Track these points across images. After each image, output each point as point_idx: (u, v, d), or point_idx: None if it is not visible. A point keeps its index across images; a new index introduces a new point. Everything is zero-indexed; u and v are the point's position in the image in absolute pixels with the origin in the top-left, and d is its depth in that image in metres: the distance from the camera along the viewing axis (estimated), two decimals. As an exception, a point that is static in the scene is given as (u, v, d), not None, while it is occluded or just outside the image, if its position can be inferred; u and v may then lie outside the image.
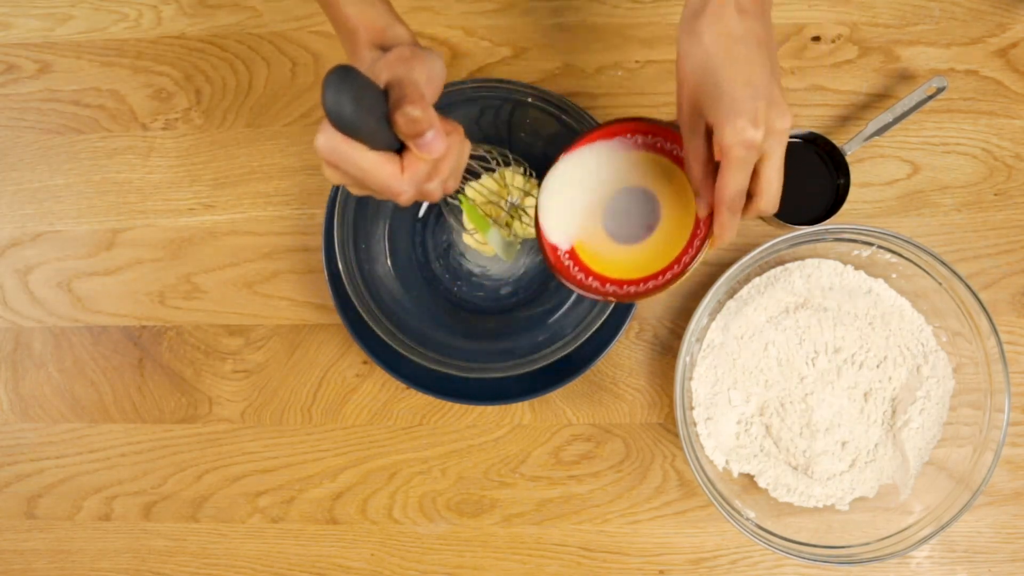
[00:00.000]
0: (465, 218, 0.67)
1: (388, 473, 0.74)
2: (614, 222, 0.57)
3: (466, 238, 0.71)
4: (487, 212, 0.68)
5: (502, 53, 0.77)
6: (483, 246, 0.70)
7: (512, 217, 0.68)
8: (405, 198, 0.47)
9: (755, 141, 0.47)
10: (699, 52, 0.48)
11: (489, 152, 0.67)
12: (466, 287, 0.74)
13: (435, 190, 0.49)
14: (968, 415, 0.69)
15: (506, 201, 0.68)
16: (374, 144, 0.44)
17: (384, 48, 0.50)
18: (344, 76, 0.40)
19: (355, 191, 0.48)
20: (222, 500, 0.75)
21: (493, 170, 0.69)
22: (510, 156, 0.68)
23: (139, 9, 0.79)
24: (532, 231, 0.68)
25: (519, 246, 0.71)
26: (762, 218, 0.74)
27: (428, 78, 0.47)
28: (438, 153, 0.45)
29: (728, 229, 0.51)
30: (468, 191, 0.68)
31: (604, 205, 0.57)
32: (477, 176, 0.69)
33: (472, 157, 0.65)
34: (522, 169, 0.69)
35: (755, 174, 0.50)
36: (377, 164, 0.45)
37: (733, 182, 0.48)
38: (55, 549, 0.76)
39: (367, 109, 0.42)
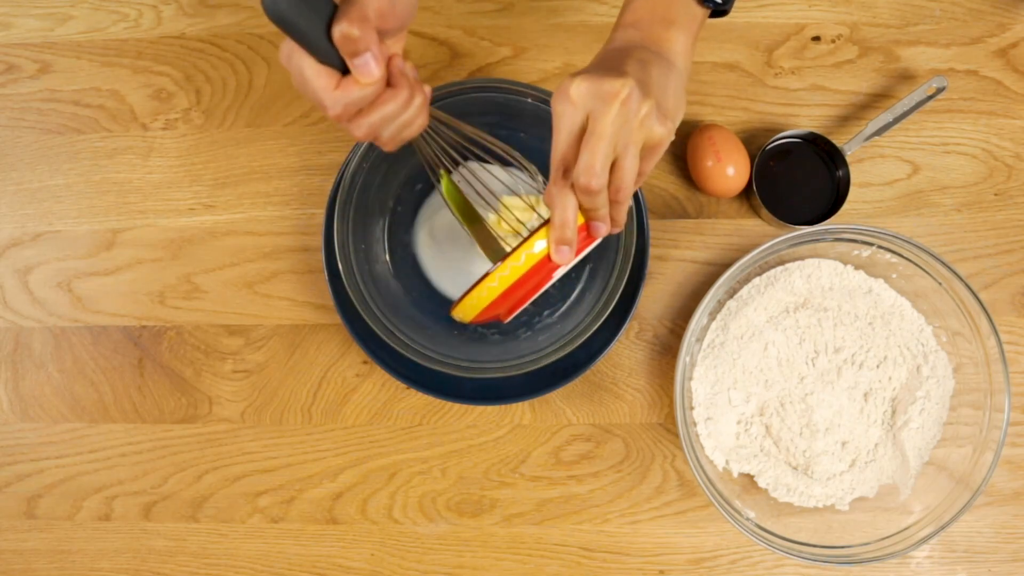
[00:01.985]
0: (445, 196, 0.65)
1: (388, 473, 0.74)
2: None
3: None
4: (509, 226, 0.67)
5: (502, 53, 0.77)
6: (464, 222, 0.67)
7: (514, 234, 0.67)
8: (331, 113, 0.47)
9: (569, 94, 0.46)
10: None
11: (526, 168, 0.65)
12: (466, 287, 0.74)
13: (360, 128, 0.48)
14: (968, 415, 0.69)
15: (523, 224, 0.67)
16: (319, 55, 0.45)
17: None
18: None
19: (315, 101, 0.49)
20: (222, 500, 0.75)
21: (535, 192, 0.67)
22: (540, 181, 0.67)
23: (139, 9, 0.79)
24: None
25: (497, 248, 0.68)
26: (762, 218, 0.74)
27: (390, 3, 0.47)
28: (370, 78, 0.45)
29: (553, 206, 0.49)
30: (505, 200, 0.67)
31: None
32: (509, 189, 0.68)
33: (510, 163, 0.65)
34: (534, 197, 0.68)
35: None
36: (315, 73, 0.46)
37: (554, 144, 0.48)
38: (55, 549, 0.76)
39: (305, 13, 0.43)
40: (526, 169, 0.64)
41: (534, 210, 0.67)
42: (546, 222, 0.51)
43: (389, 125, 0.49)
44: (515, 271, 0.52)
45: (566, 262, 0.51)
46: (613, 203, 0.50)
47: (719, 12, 0.55)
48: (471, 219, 0.65)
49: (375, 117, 0.48)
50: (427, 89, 0.51)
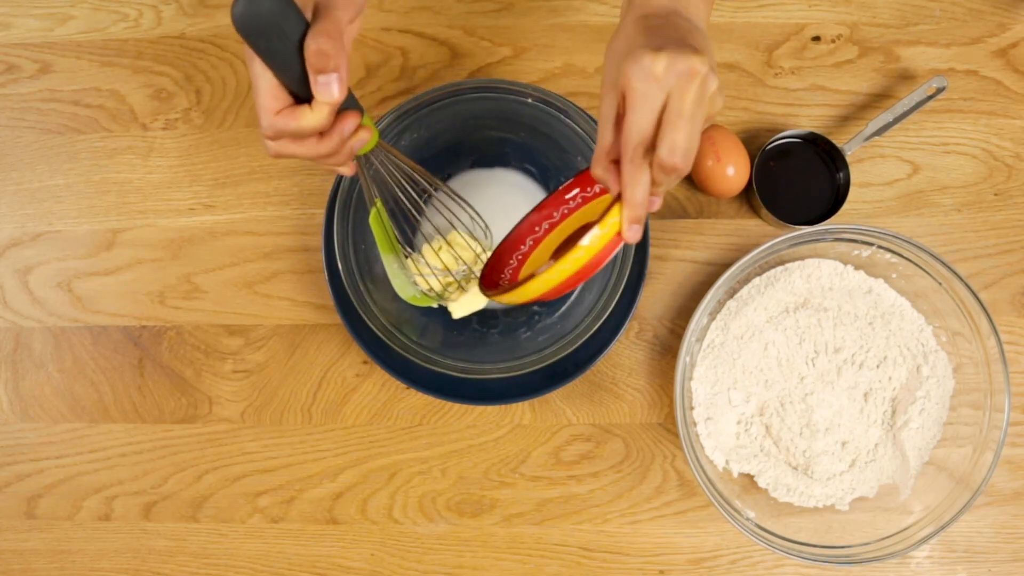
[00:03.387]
0: (371, 223, 0.64)
1: (388, 473, 0.74)
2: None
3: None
4: (442, 262, 0.68)
5: (502, 53, 0.77)
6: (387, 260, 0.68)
7: (448, 285, 0.69)
8: (263, 132, 0.47)
9: (653, 72, 0.45)
10: (619, 45, 0.48)
11: (474, 217, 0.67)
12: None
13: (274, 151, 0.48)
14: (968, 415, 0.69)
15: (460, 263, 0.68)
16: (281, 75, 0.45)
17: None
18: None
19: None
20: (222, 500, 0.75)
21: (481, 240, 0.69)
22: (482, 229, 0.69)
23: (139, 9, 0.79)
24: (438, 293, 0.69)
25: (418, 295, 0.69)
26: (762, 218, 0.74)
27: (356, 9, 0.47)
28: (329, 99, 0.45)
29: (633, 185, 0.48)
30: (451, 236, 0.68)
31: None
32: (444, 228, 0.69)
33: (449, 206, 0.66)
34: (478, 244, 0.70)
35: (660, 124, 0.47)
36: (266, 90, 0.45)
37: (632, 121, 0.47)
38: (55, 549, 0.76)
39: (271, 33, 0.42)
40: (478, 219, 0.67)
41: (479, 258, 0.69)
42: (617, 200, 0.50)
43: (305, 161, 0.50)
44: (588, 252, 0.51)
45: (637, 241, 0.51)
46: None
47: None
48: (387, 250, 0.66)
49: (292, 150, 0.48)
50: (364, 135, 0.51)
